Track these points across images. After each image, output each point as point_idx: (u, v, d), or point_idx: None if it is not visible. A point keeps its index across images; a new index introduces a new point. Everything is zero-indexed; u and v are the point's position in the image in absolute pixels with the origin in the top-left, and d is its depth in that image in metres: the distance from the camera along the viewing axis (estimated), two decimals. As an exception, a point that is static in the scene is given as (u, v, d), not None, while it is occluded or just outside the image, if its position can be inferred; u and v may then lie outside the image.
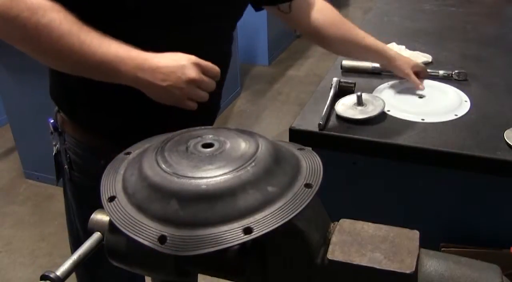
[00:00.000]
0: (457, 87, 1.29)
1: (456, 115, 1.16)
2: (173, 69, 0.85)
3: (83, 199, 1.13)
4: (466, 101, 1.22)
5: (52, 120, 1.13)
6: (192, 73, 0.85)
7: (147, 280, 1.43)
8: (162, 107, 0.96)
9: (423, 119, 1.14)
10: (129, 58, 0.85)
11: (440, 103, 1.23)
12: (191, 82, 0.86)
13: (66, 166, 1.11)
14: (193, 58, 0.87)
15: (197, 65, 0.86)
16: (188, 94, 0.87)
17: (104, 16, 0.89)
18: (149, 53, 0.87)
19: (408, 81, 1.30)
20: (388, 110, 1.18)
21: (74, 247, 1.21)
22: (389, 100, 1.21)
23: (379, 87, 1.31)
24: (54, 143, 1.15)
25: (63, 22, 0.83)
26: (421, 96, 1.27)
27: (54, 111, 1.12)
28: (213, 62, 0.90)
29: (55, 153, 1.15)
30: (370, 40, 1.28)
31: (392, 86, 1.32)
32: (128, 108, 1.01)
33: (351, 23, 1.28)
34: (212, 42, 1.04)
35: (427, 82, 1.32)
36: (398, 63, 1.29)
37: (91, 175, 1.02)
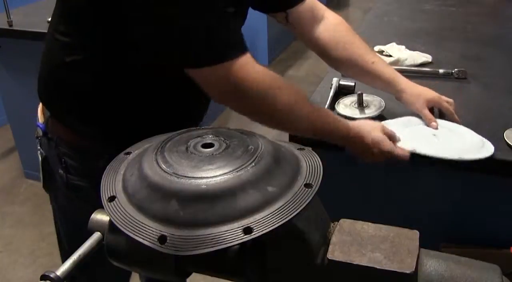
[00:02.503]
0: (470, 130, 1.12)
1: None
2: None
3: (84, 201, 1.11)
4: (485, 142, 1.06)
5: (41, 125, 1.09)
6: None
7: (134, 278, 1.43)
8: (157, 109, 0.96)
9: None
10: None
11: (457, 144, 1.07)
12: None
13: (61, 171, 1.07)
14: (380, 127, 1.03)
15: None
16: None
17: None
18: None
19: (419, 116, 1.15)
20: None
21: (65, 257, 1.18)
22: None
23: (386, 121, 1.14)
24: (39, 148, 1.11)
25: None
26: (434, 135, 1.10)
27: (45, 117, 1.08)
28: None
29: (42, 160, 1.12)
30: (378, 66, 1.15)
31: (401, 124, 1.14)
32: (125, 111, 1.00)
33: (363, 43, 1.17)
34: None
35: (441, 123, 1.14)
36: (408, 97, 1.14)
37: (91, 177, 1.01)
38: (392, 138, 1.04)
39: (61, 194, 1.12)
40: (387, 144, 1.01)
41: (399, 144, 1.05)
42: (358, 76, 1.19)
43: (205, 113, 1.13)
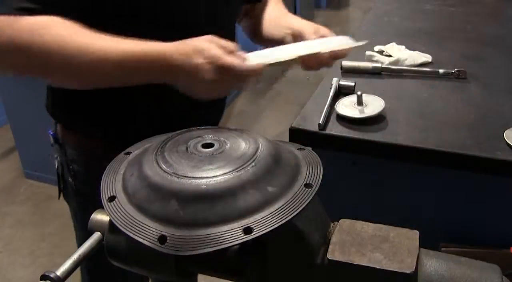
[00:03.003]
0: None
1: None
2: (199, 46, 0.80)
3: (93, 209, 1.09)
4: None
5: (52, 132, 1.10)
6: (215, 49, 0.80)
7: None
8: (164, 108, 0.95)
9: None
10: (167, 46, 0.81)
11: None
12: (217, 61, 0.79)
13: (70, 179, 1.07)
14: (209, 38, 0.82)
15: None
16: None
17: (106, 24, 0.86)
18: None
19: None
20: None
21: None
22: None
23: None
24: (55, 156, 1.12)
25: (78, 32, 0.81)
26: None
27: (52, 123, 1.09)
28: None
29: (57, 167, 1.12)
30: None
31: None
32: (130, 112, 1.00)
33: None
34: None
35: None
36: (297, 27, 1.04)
37: (98, 183, 1.01)
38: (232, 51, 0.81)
39: (74, 202, 1.13)
40: (216, 52, 0.79)
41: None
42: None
43: (217, 117, 1.14)
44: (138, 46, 0.81)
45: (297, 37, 1.01)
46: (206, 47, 0.79)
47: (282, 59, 0.87)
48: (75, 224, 1.18)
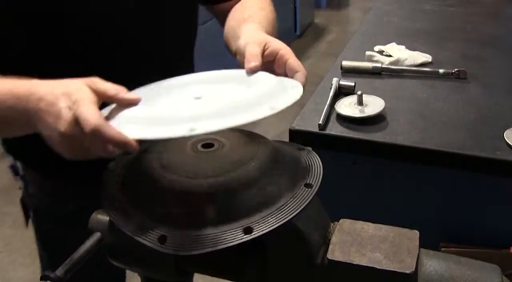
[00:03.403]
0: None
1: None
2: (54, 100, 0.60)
3: (53, 247, 1.02)
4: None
5: (12, 165, 1.02)
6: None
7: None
8: None
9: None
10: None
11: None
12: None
13: (31, 213, 1.01)
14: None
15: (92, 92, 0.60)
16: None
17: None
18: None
19: None
20: None
21: None
22: None
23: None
24: (19, 186, 1.05)
25: None
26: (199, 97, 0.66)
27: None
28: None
29: (21, 197, 1.04)
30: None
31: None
32: None
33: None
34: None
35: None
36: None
37: (60, 221, 0.94)
38: (110, 97, 0.62)
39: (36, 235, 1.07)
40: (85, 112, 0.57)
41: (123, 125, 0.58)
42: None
43: None
44: (14, 83, 0.67)
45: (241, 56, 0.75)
46: (75, 89, 0.60)
47: (171, 136, 0.54)
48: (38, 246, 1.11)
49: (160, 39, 0.91)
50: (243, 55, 0.72)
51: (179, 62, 0.96)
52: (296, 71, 0.69)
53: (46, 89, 0.62)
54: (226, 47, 0.90)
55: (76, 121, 0.57)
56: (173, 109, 0.61)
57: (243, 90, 0.65)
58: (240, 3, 0.98)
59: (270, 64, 0.71)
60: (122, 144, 0.55)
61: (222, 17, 0.98)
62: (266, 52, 0.71)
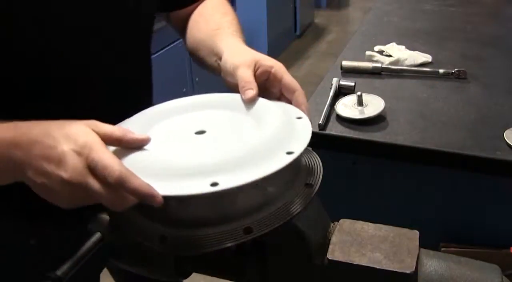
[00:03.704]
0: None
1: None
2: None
3: None
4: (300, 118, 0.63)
5: None
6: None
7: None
8: None
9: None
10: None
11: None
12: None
13: None
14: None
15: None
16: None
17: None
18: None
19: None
20: None
21: None
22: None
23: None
24: None
25: None
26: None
27: None
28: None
29: None
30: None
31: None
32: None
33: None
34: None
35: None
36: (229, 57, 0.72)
37: (20, 257, 0.84)
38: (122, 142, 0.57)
39: None
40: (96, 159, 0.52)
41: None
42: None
43: None
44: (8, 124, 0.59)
45: (228, 74, 0.71)
46: (80, 132, 0.54)
47: (196, 193, 0.50)
48: None
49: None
50: (231, 77, 0.69)
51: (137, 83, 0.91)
52: (293, 91, 0.66)
53: (39, 132, 0.55)
54: (195, 61, 0.86)
55: (90, 169, 0.51)
56: (185, 156, 0.57)
57: (250, 128, 0.62)
58: (197, 11, 0.92)
59: (264, 82, 0.68)
60: (148, 197, 0.50)
61: (180, 25, 0.94)
62: (258, 73, 0.67)
